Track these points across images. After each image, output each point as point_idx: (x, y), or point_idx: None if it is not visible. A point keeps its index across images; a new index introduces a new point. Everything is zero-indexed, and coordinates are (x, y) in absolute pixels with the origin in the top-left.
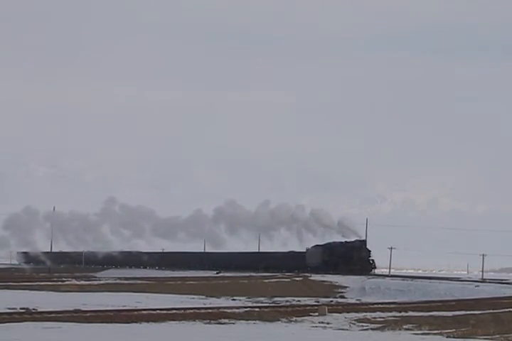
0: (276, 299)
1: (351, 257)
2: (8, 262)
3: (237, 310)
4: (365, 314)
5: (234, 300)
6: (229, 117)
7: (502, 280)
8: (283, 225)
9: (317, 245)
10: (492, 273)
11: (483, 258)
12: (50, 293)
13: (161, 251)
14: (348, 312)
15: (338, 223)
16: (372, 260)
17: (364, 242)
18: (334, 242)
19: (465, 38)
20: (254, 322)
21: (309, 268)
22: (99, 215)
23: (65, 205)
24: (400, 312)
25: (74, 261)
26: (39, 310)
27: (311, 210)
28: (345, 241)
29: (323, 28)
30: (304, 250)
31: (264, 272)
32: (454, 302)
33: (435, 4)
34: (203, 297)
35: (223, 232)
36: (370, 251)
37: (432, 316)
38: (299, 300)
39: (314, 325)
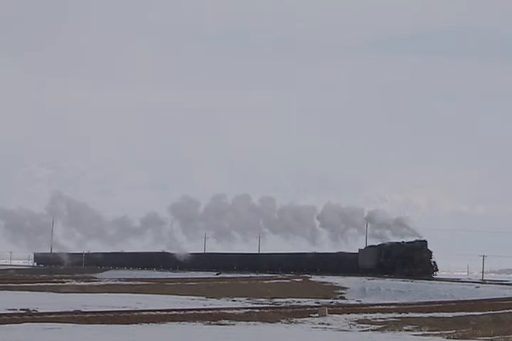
0: (276, 300)
1: (411, 259)
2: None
3: (237, 311)
4: (365, 315)
5: (234, 301)
6: (229, 117)
7: (502, 281)
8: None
9: (371, 246)
10: (492, 274)
11: (483, 260)
12: (50, 294)
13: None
14: (348, 313)
15: (395, 222)
16: (434, 262)
17: (425, 242)
18: (390, 243)
19: (465, 38)
20: (254, 323)
21: (362, 270)
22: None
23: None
24: (400, 313)
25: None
26: (39, 311)
27: (368, 211)
28: (403, 242)
29: (323, 29)
30: (356, 251)
31: (310, 274)
32: (454, 303)
33: (435, 4)
34: (203, 298)
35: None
36: (431, 252)
37: (432, 317)
38: (299, 301)
39: (314, 326)
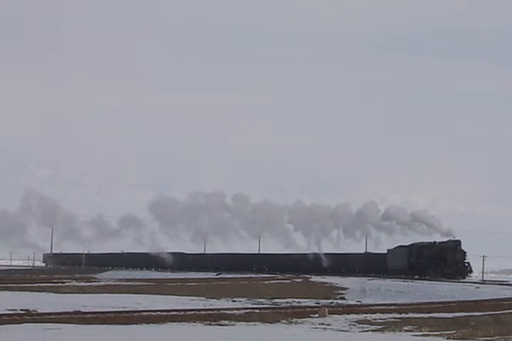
0: (276, 300)
1: (444, 259)
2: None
3: (237, 312)
4: (365, 315)
5: (234, 301)
6: (229, 117)
7: (502, 281)
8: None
9: (401, 246)
10: (492, 275)
11: (483, 260)
12: (50, 294)
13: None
14: (348, 313)
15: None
16: (468, 263)
17: (459, 242)
18: (422, 242)
19: (465, 39)
20: (254, 323)
21: (391, 271)
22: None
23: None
24: (400, 313)
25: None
26: (39, 311)
27: (412, 211)
28: (435, 242)
29: (323, 29)
30: (384, 251)
31: (334, 275)
32: (454, 304)
33: (435, 6)
34: (203, 298)
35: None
36: (465, 252)
37: (432, 317)
38: (299, 302)
39: (314, 326)
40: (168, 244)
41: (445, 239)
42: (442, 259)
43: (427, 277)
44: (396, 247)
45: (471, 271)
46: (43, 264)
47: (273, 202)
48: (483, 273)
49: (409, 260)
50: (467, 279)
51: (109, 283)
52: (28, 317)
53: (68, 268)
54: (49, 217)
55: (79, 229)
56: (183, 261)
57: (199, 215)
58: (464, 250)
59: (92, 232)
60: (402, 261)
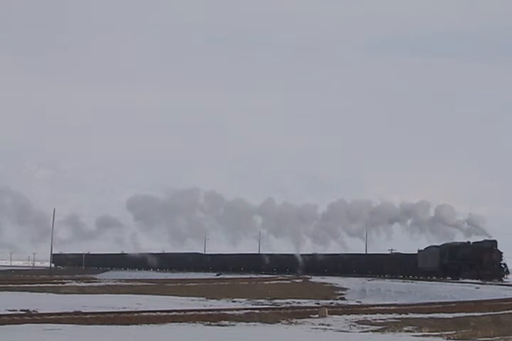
0: (276, 301)
1: (480, 260)
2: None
3: (237, 312)
4: (365, 316)
5: (234, 302)
6: (229, 117)
7: (502, 282)
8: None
9: (433, 246)
10: None
11: None
12: (51, 294)
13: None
14: (348, 314)
15: (466, 221)
16: (505, 264)
17: (495, 243)
18: (455, 242)
19: (465, 39)
20: (254, 324)
21: (422, 272)
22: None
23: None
24: (400, 314)
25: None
26: (39, 311)
27: (436, 207)
28: (469, 241)
29: (323, 30)
30: (414, 252)
31: (362, 277)
32: (454, 304)
33: (435, 6)
34: (203, 299)
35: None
36: (501, 253)
37: (432, 318)
38: (299, 302)
39: (314, 326)
40: (149, 244)
41: (480, 239)
42: (478, 260)
43: (460, 278)
44: (427, 247)
45: (508, 273)
46: (52, 265)
47: (246, 200)
48: None
49: (442, 261)
50: (504, 282)
51: (109, 283)
52: (28, 317)
53: (68, 269)
54: (22, 216)
55: (52, 229)
56: (201, 262)
57: (175, 214)
58: (500, 250)
59: (68, 233)
60: (434, 262)
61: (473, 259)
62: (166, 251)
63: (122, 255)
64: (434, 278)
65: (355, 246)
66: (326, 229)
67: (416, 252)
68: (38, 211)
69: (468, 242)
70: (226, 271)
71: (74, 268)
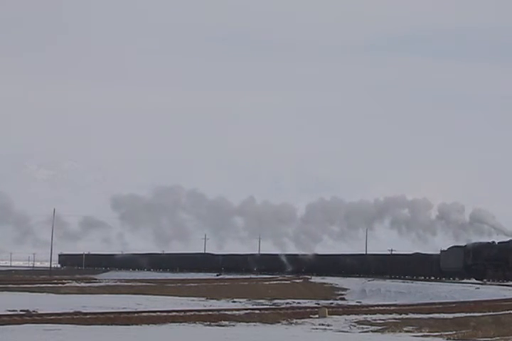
0: (276, 301)
1: (506, 261)
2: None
3: (237, 312)
4: (365, 316)
5: (234, 302)
6: (229, 118)
7: (502, 282)
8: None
9: (456, 246)
10: None
11: None
12: (51, 295)
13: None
14: (348, 314)
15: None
16: None
17: None
18: (480, 243)
19: (465, 39)
20: (254, 324)
21: (445, 273)
22: None
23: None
24: (401, 314)
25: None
26: (39, 312)
27: (472, 210)
28: (494, 242)
29: (323, 30)
30: (436, 252)
31: (382, 278)
32: (454, 305)
33: (435, 6)
34: (204, 299)
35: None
36: None
37: (432, 318)
38: (299, 302)
39: (314, 327)
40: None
41: (507, 239)
42: (504, 261)
43: (484, 280)
44: (450, 247)
45: None
46: (59, 265)
47: (228, 199)
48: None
49: (466, 261)
50: None
51: (109, 283)
52: (28, 317)
53: (69, 269)
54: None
55: (34, 229)
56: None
57: (159, 213)
58: None
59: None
60: (457, 263)
61: (498, 260)
62: (172, 252)
63: (125, 255)
64: (456, 279)
65: (356, 247)
66: (349, 224)
67: (438, 252)
68: (19, 211)
69: (493, 242)
70: (238, 272)
71: (74, 269)
